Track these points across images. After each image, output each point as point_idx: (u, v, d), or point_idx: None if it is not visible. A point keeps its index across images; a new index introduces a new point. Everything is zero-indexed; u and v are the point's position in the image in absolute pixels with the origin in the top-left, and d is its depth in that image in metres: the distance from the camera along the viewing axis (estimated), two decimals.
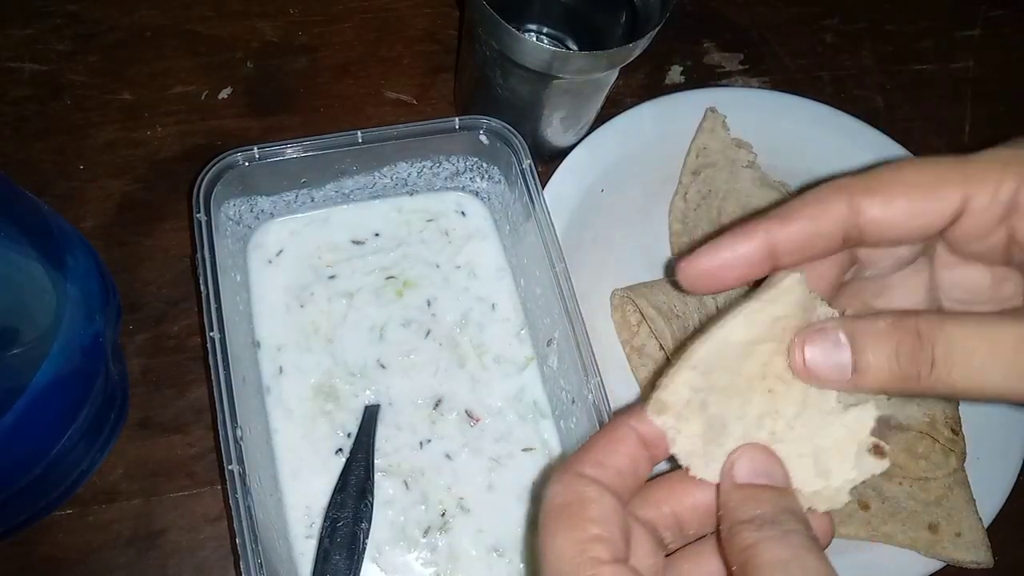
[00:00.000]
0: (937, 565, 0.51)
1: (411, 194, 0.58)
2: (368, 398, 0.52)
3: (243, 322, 0.51)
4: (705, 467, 0.29)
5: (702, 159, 0.63)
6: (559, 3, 0.57)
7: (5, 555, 0.48)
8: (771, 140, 0.64)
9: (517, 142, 0.52)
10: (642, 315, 0.54)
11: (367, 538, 0.46)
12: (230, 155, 0.49)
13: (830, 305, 0.30)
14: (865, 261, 0.34)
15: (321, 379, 0.52)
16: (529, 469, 0.51)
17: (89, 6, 0.65)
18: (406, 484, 0.50)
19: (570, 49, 0.57)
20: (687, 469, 0.29)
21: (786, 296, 0.29)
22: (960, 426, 0.54)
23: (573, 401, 0.49)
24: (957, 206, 0.29)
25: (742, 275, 0.31)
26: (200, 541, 0.49)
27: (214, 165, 0.48)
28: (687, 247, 0.60)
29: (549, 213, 0.50)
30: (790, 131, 0.65)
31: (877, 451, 0.29)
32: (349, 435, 0.50)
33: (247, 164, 0.49)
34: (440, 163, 0.56)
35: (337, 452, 0.50)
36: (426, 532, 0.49)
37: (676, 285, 0.31)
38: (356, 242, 0.56)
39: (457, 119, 0.52)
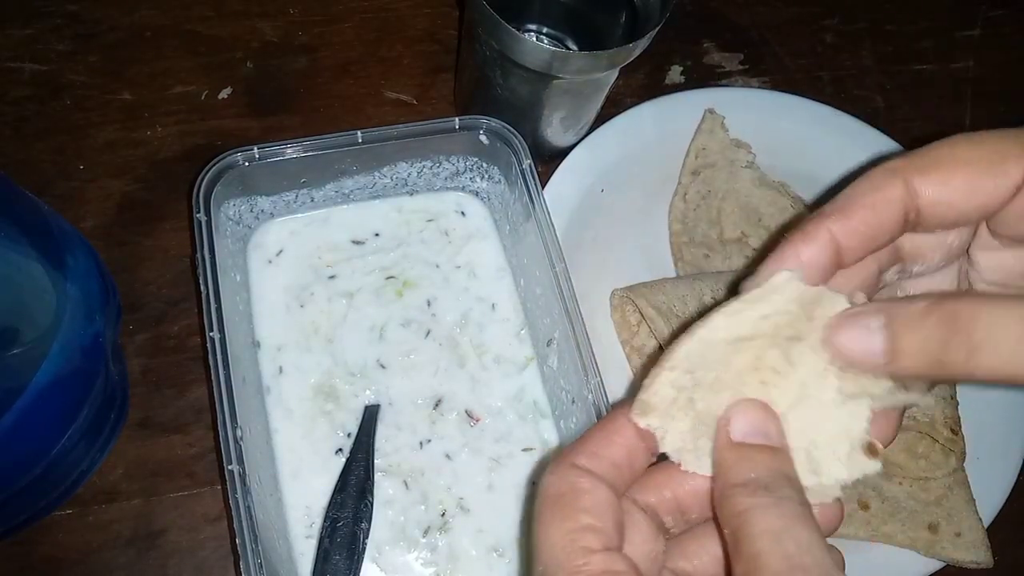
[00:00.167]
0: (937, 565, 0.51)
1: (411, 194, 0.58)
2: (368, 398, 0.52)
3: (243, 322, 0.51)
4: (697, 461, 0.29)
5: (701, 159, 0.63)
6: (559, 3, 0.57)
7: (5, 555, 0.48)
8: (771, 140, 0.64)
9: (517, 142, 0.52)
10: (642, 315, 0.54)
11: (367, 538, 0.46)
12: (230, 155, 0.49)
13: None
14: (913, 257, 0.33)
15: (321, 379, 0.52)
16: (529, 469, 0.51)
17: (89, 6, 0.65)
18: (406, 484, 0.50)
19: (570, 49, 0.57)
20: (679, 464, 0.29)
21: (775, 295, 0.28)
22: (960, 426, 0.54)
23: (573, 401, 0.49)
24: (1020, 181, 0.27)
25: (811, 282, 0.29)
26: (200, 541, 0.49)
27: (214, 165, 0.48)
28: (687, 244, 0.60)
29: (549, 213, 0.50)
30: (790, 131, 0.65)
31: (871, 450, 0.29)
32: (349, 435, 0.50)
33: (247, 164, 0.49)
34: (440, 163, 0.56)
35: (337, 452, 0.50)
36: (426, 532, 0.49)
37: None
38: (356, 242, 0.56)
39: (457, 119, 0.52)
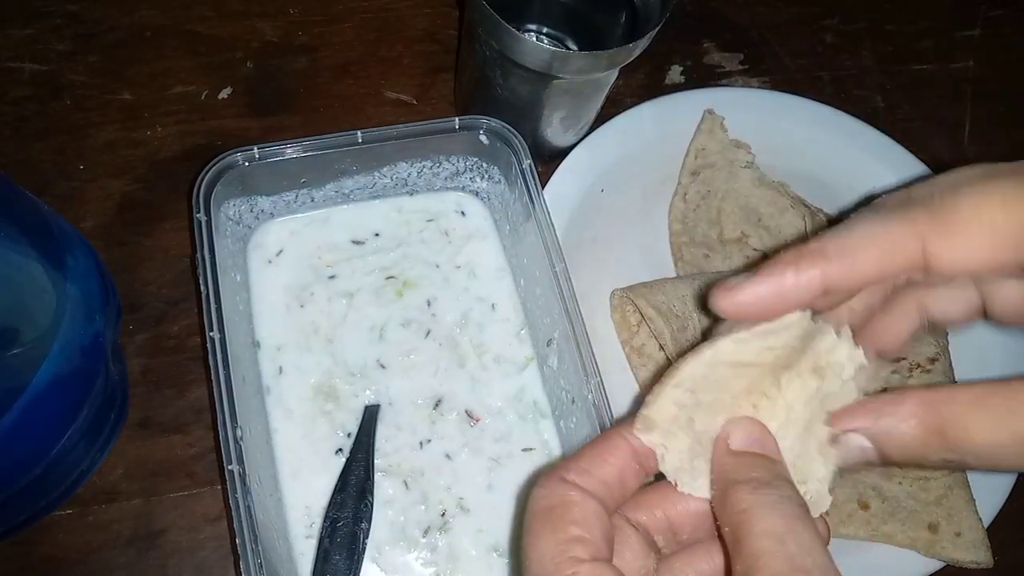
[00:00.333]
0: (937, 565, 0.51)
1: (411, 194, 0.58)
2: (368, 398, 0.52)
3: (243, 322, 0.51)
4: (692, 482, 0.29)
5: (701, 160, 0.63)
6: (559, 3, 0.57)
7: (5, 555, 0.48)
8: (771, 140, 0.64)
9: (517, 142, 0.52)
10: (642, 315, 0.54)
11: (367, 538, 0.46)
12: (230, 155, 0.49)
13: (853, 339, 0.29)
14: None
15: (321, 379, 0.52)
16: (529, 469, 0.51)
17: (89, 6, 0.65)
18: (406, 484, 0.50)
19: (570, 49, 0.57)
20: (675, 484, 0.29)
21: (786, 331, 0.28)
22: None
23: (573, 401, 0.49)
24: None
25: (787, 309, 0.28)
26: (200, 541, 0.49)
27: (214, 165, 0.48)
28: (687, 244, 0.60)
29: (549, 213, 0.50)
30: (790, 131, 0.65)
31: (834, 440, 0.29)
32: (349, 435, 0.50)
33: (247, 164, 0.49)
34: (440, 163, 0.56)
35: (337, 452, 0.50)
36: (426, 532, 0.49)
37: (706, 310, 0.29)
38: (356, 242, 0.56)
39: (457, 119, 0.52)
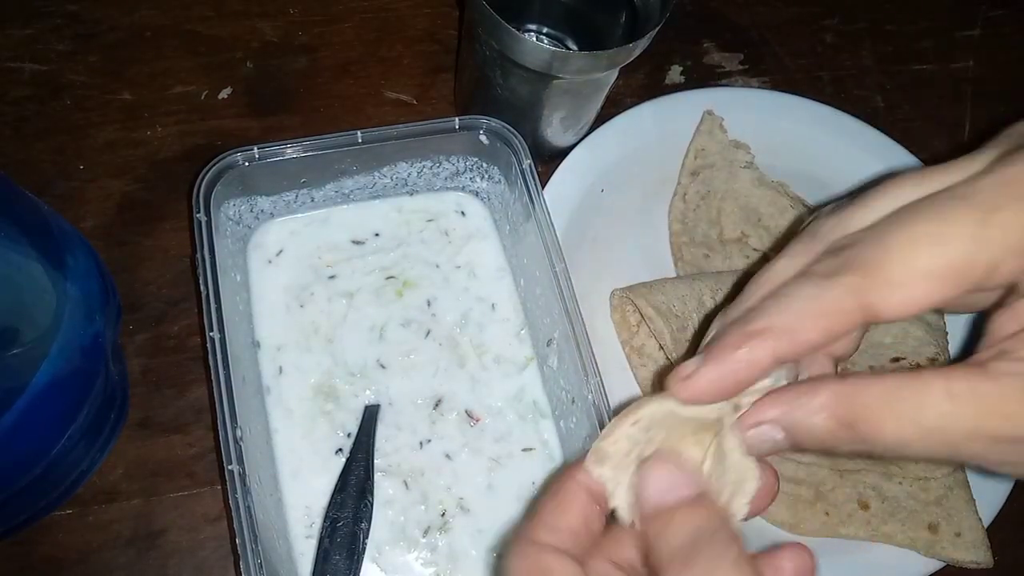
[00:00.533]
0: (937, 565, 0.51)
1: (411, 194, 0.58)
2: (368, 398, 0.52)
3: (243, 322, 0.51)
4: None
5: (700, 160, 0.63)
6: (559, 3, 0.57)
7: (5, 555, 0.48)
8: (771, 140, 0.64)
9: (517, 142, 0.52)
10: (641, 315, 0.54)
11: (367, 538, 0.46)
12: (230, 155, 0.49)
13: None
14: None
15: (321, 379, 0.52)
16: (529, 469, 0.51)
17: (89, 6, 0.65)
18: (406, 484, 0.50)
19: (570, 49, 0.57)
20: (626, 521, 0.29)
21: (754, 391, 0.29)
22: None
23: (573, 401, 0.49)
24: (1002, 294, 0.26)
25: (740, 389, 0.29)
26: (200, 541, 0.49)
27: (214, 165, 0.48)
28: (687, 244, 0.60)
29: (549, 213, 0.50)
30: (790, 131, 0.65)
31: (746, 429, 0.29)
32: (349, 435, 0.50)
33: (247, 164, 0.49)
34: (440, 163, 0.56)
35: (337, 452, 0.50)
36: (426, 532, 0.49)
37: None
38: (356, 242, 0.56)
39: (457, 119, 0.52)
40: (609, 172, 0.60)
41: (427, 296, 0.55)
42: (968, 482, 0.53)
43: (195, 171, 0.48)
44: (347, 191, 0.56)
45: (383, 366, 0.53)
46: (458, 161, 0.56)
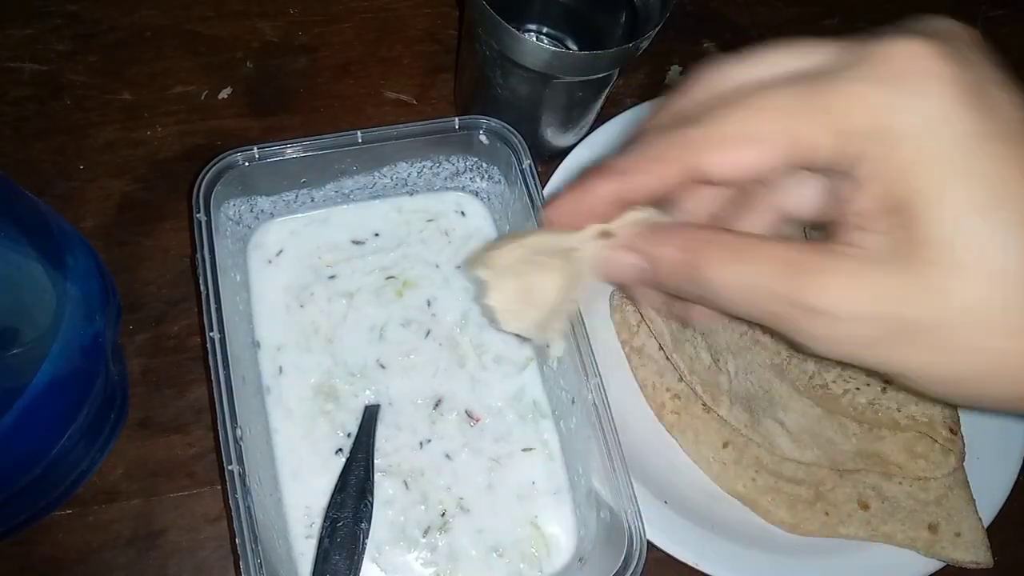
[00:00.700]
0: (937, 565, 0.51)
1: (411, 194, 0.58)
2: (368, 398, 0.52)
3: (243, 322, 0.51)
4: (513, 322, 0.35)
5: None
6: (559, 3, 0.57)
7: (5, 555, 0.48)
8: None
9: (517, 142, 0.52)
10: (641, 315, 0.54)
11: (367, 538, 0.46)
12: (230, 155, 0.49)
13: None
14: None
15: (321, 379, 0.52)
16: (529, 469, 0.51)
17: (89, 6, 0.65)
18: (406, 484, 0.50)
19: (570, 49, 0.57)
20: (496, 320, 0.35)
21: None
22: (959, 426, 0.54)
23: (573, 401, 0.49)
24: (824, 166, 0.27)
25: (598, 218, 0.32)
26: (200, 541, 0.49)
27: (214, 165, 0.48)
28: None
29: None
30: None
31: (604, 235, 0.32)
32: (349, 435, 0.50)
33: (247, 164, 0.49)
34: (440, 163, 0.56)
35: (337, 452, 0.50)
36: (426, 532, 0.49)
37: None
38: (356, 242, 0.56)
39: (457, 119, 0.52)
40: None
41: (427, 296, 0.55)
42: (968, 482, 0.53)
43: (195, 171, 0.48)
44: (347, 191, 0.56)
45: (383, 366, 0.53)
46: (458, 161, 0.56)
